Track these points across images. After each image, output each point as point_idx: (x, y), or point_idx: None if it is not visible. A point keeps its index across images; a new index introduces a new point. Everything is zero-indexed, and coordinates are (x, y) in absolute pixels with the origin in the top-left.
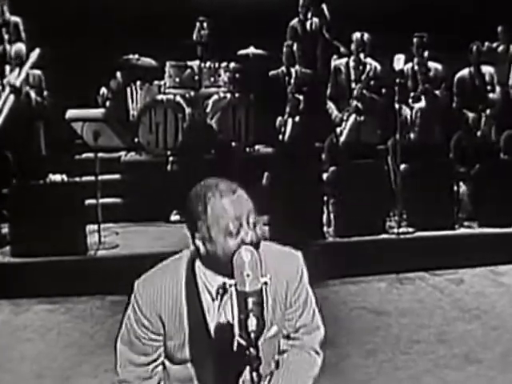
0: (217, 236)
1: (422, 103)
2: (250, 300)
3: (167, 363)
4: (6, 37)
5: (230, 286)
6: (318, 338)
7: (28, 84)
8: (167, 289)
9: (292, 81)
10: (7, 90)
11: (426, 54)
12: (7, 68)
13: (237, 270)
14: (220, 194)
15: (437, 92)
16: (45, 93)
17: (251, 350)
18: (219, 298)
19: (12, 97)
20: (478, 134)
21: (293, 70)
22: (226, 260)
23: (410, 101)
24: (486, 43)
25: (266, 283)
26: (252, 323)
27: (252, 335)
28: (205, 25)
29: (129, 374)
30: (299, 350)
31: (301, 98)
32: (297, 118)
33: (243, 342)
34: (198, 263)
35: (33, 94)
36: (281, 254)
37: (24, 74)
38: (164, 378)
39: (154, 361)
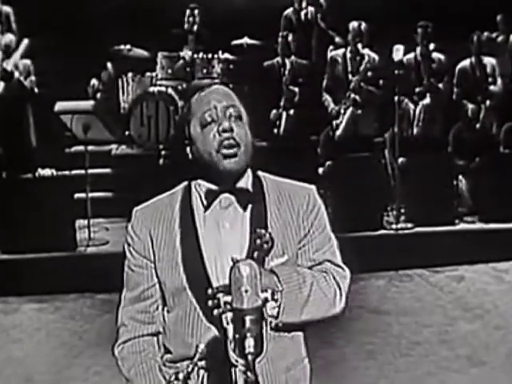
0: (195, 131)
1: (427, 100)
2: (248, 318)
3: (165, 314)
4: None
5: (226, 303)
6: (341, 273)
7: (19, 73)
8: (162, 209)
9: (287, 72)
10: None
11: (431, 44)
12: None
13: (234, 286)
14: (201, 90)
15: (440, 85)
16: (33, 79)
17: (249, 374)
18: (207, 203)
19: (1, 84)
20: (478, 126)
21: (287, 61)
22: (207, 152)
23: (416, 98)
24: (486, 33)
25: (266, 299)
26: (249, 344)
27: (249, 357)
28: (195, 12)
29: (124, 315)
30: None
31: (296, 90)
32: (292, 111)
33: (241, 367)
34: (193, 183)
35: (24, 81)
36: (294, 184)
37: (13, 61)
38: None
39: (146, 296)
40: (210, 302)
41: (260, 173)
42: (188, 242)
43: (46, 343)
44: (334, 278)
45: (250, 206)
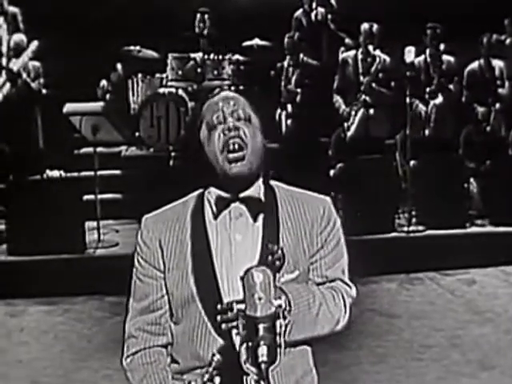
0: (203, 134)
1: (439, 99)
2: (262, 326)
3: (173, 326)
4: (4, 26)
5: (239, 310)
6: (348, 292)
7: (27, 74)
8: (173, 218)
9: (290, 73)
10: (4, 76)
11: (441, 46)
12: (3, 60)
13: (247, 293)
14: (212, 96)
15: (451, 86)
16: (41, 81)
17: (262, 383)
18: (216, 211)
19: (8, 85)
20: (488, 129)
21: (285, 62)
22: (213, 156)
23: (427, 96)
24: (495, 35)
25: (280, 306)
26: (263, 353)
27: (262, 366)
28: (206, 17)
29: (133, 326)
30: (329, 287)
31: (298, 90)
32: (296, 111)
33: (254, 376)
34: (206, 191)
35: (31, 83)
36: (309, 194)
37: (22, 61)
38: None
39: (156, 307)
40: (219, 317)
41: (273, 182)
42: (199, 253)
43: (54, 346)
44: (343, 297)
45: (261, 216)
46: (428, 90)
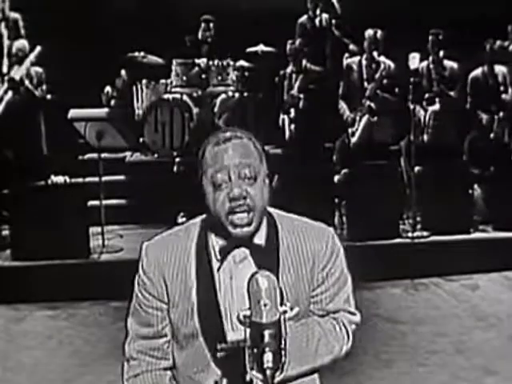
0: (206, 187)
1: (436, 106)
2: (267, 333)
3: (175, 353)
4: (5, 32)
5: (245, 317)
6: (352, 319)
7: (30, 80)
8: (176, 251)
9: (293, 79)
10: (5, 84)
11: (441, 52)
12: (5, 65)
13: (252, 299)
14: (215, 141)
15: (451, 93)
16: (44, 87)
17: None
18: (220, 261)
19: (10, 92)
20: (492, 135)
21: (288, 70)
22: (218, 215)
23: (424, 103)
24: (498, 41)
25: (285, 312)
26: (268, 359)
27: (268, 372)
28: (211, 25)
29: (134, 349)
30: (330, 319)
31: (301, 96)
32: (299, 117)
33: (259, 382)
34: (209, 231)
35: (34, 90)
36: (309, 226)
37: (24, 68)
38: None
39: (160, 335)
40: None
41: (274, 213)
42: (204, 293)
43: (58, 351)
44: (344, 326)
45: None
46: (426, 96)
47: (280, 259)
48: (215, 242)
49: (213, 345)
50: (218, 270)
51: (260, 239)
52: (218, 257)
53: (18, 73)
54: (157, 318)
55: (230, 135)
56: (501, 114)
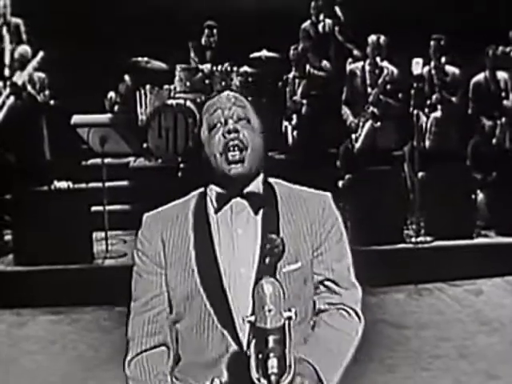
0: (204, 135)
1: (438, 113)
2: (271, 338)
3: (177, 326)
4: (7, 37)
5: (250, 322)
6: (356, 297)
7: (32, 86)
8: (174, 213)
9: (296, 85)
10: (8, 89)
11: (443, 58)
12: (6, 70)
13: (257, 305)
14: (213, 96)
15: (453, 99)
16: (47, 93)
17: None
18: (217, 207)
19: (12, 97)
20: (494, 141)
21: (291, 75)
22: (213, 157)
23: (426, 110)
24: (500, 47)
25: (289, 318)
26: (273, 364)
27: (273, 378)
28: (214, 31)
29: (135, 327)
30: (337, 311)
31: (304, 101)
32: (302, 122)
33: None
34: (208, 188)
35: (36, 95)
36: (308, 190)
37: (27, 73)
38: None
39: (153, 305)
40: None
41: (271, 179)
42: (202, 245)
43: (61, 356)
44: (353, 309)
45: (261, 210)
46: (428, 103)
47: (279, 212)
48: (212, 194)
49: (215, 303)
50: (215, 217)
51: (258, 189)
52: (215, 205)
53: (20, 78)
54: (152, 284)
55: (224, 90)
56: (503, 119)
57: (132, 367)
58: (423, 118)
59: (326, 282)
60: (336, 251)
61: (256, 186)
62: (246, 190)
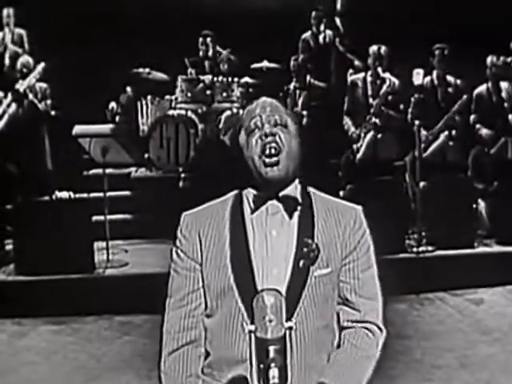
0: (242, 138)
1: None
2: (272, 348)
3: (206, 320)
4: (10, 45)
5: (250, 331)
6: (377, 308)
7: (34, 95)
8: (212, 212)
9: (296, 96)
10: (9, 97)
11: (446, 67)
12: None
13: (258, 315)
14: (251, 103)
15: (456, 117)
16: (48, 102)
17: None
18: (254, 207)
19: (14, 105)
20: (495, 151)
21: (292, 86)
22: (251, 159)
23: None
24: (501, 57)
25: (290, 328)
26: (274, 375)
27: None
28: (208, 40)
29: (170, 322)
30: (361, 330)
31: (304, 113)
32: (306, 134)
33: None
34: (244, 191)
35: (38, 104)
36: (342, 202)
37: (28, 81)
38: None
39: (190, 300)
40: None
41: (310, 188)
42: (237, 244)
43: (63, 366)
44: (377, 327)
45: (296, 214)
46: (437, 127)
47: (315, 219)
48: (249, 195)
49: (246, 300)
50: (253, 213)
51: (294, 194)
52: (252, 206)
53: (22, 86)
54: (189, 280)
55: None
56: (504, 129)
57: (167, 364)
58: (423, 132)
59: (350, 297)
60: (364, 261)
61: (292, 190)
62: (282, 193)
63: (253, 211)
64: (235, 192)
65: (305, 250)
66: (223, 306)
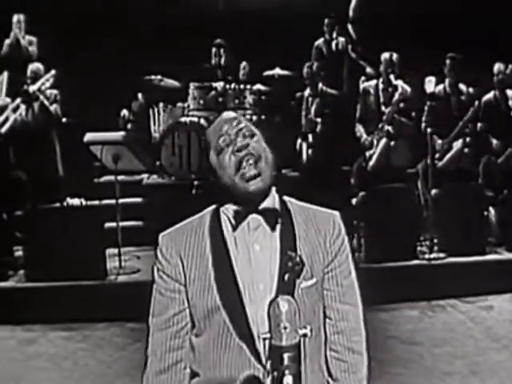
0: (212, 159)
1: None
2: (286, 355)
3: (193, 339)
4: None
5: (265, 339)
6: (359, 314)
7: (45, 97)
8: (190, 232)
9: (309, 103)
10: (19, 99)
11: (457, 76)
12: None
13: (273, 322)
14: (213, 121)
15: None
16: (59, 110)
17: None
18: (235, 224)
19: (23, 107)
20: (504, 159)
21: (306, 93)
22: (228, 177)
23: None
24: (510, 65)
25: (305, 335)
26: (288, 382)
27: None
28: (221, 50)
29: (156, 343)
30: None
31: (318, 120)
32: (316, 141)
33: None
34: (221, 208)
35: (49, 106)
36: (319, 209)
37: (39, 85)
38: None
39: (177, 321)
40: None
41: (285, 197)
42: (220, 263)
43: (73, 372)
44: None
45: (278, 226)
46: (452, 135)
47: (295, 230)
48: (228, 212)
49: (234, 318)
50: (233, 235)
51: (273, 205)
52: (233, 223)
53: (33, 86)
54: (174, 302)
55: (221, 113)
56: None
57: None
58: (438, 141)
59: (334, 305)
60: (345, 268)
61: (270, 201)
62: (262, 206)
63: (234, 228)
64: (211, 208)
65: (289, 264)
66: (211, 326)
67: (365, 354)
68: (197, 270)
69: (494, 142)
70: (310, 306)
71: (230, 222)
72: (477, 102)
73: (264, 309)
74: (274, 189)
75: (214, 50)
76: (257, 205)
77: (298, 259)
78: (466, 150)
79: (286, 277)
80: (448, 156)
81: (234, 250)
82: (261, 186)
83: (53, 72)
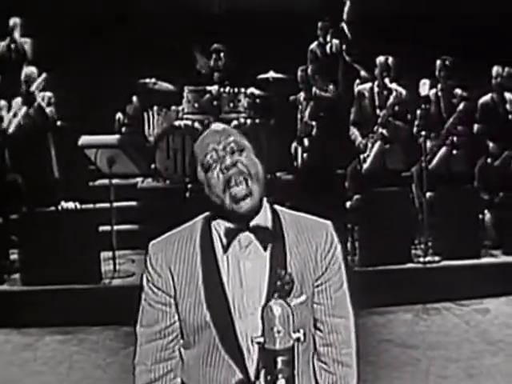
0: (200, 175)
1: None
2: (280, 359)
3: (182, 351)
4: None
5: (259, 343)
6: (350, 325)
7: (41, 99)
8: (181, 244)
9: (304, 106)
10: (19, 100)
11: (449, 79)
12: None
13: (266, 326)
14: (200, 134)
15: (460, 127)
16: (54, 112)
17: None
18: (225, 247)
19: (24, 109)
20: (500, 162)
21: (302, 94)
22: (216, 196)
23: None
24: (507, 68)
25: (298, 339)
26: None
27: None
28: (221, 55)
29: (144, 354)
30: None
31: (313, 123)
32: (311, 144)
33: None
34: (212, 221)
35: (46, 108)
36: (311, 219)
37: (34, 86)
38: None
39: (167, 333)
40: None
41: (277, 207)
42: (210, 280)
43: (69, 376)
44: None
45: (269, 244)
46: (442, 133)
47: (286, 247)
48: (219, 228)
49: (223, 335)
50: (224, 255)
51: (265, 222)
52: (224, 241)
53: (33, 86)
54: (165, 314)
55: (208, 125)
56: (508, 142)
57: None
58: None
59: (324, 318)
60: (336, 280)
61: (263, 217)
62: (252, 223)
63: (225, 248)
64: (203, 217)
65: (279, 283)
66: (200, 342)
67: (355, 366)
68: (187, 286)
69: (491, 144)
70: (300, 322)
71: (221, 239)
72: (462, 104)
73: (254, 326)
74: (265, 200)
75: (214, 55)
76: (248, 221)
77: (287, 278)
78: (454, 151)
79: (276, 296)
80: (436, 158)
81: (225, 267)
82: (251, 205)
83: (44, 75)
